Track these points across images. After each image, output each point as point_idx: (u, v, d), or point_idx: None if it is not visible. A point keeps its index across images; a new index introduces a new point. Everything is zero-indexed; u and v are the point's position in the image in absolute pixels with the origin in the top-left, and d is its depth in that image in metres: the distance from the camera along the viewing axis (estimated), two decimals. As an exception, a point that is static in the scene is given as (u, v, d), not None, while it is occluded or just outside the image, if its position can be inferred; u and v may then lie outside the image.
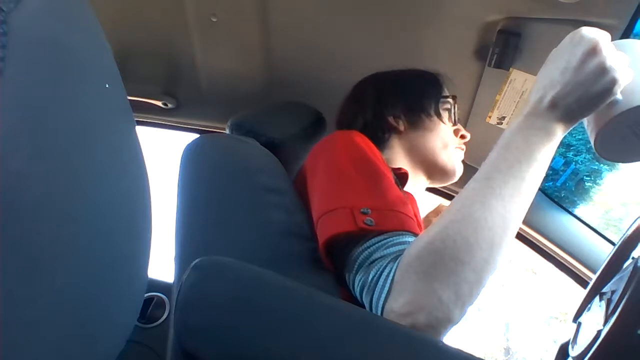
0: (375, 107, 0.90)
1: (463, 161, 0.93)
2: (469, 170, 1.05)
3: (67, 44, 0.37)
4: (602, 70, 0.52)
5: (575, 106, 0.53)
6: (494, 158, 0.54)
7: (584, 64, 0.52)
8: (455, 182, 0.93)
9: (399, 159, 0.87)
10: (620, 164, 0.62)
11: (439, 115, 0.89)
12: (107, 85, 0.43)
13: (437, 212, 0.96)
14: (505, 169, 0.53)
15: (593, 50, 0.52)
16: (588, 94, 0.52)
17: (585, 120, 0.57)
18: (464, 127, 1.02)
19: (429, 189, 1.19)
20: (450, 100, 0.92)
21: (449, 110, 0.92)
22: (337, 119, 0.96)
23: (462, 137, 0.92)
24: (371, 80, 0.95)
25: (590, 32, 0.54)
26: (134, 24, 1.10)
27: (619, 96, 0.53)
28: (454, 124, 0.93)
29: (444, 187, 1.18)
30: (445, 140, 0.89)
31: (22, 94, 0.31)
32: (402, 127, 0.88)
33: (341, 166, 0.65)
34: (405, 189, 0.77)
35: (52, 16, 0.36)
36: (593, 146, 0.57)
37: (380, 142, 0.87)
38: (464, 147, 0.92)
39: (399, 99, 0.90)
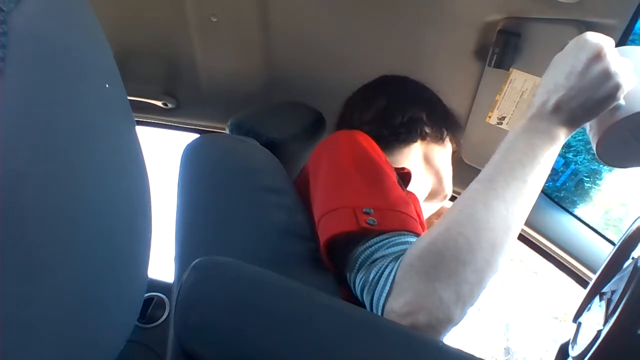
0: (417, 108, 0.90)
1: (463, 162, 0.93)
2: (470, 170, 1.05)
3: (67, 44, 0.37)
4: (606, 76, 0.52)
5: (579, 110, 0.53)
6: (497, 160, 0.54)
7: (589, 68, 0.53)
8: (458, 184, 0.93)
9: (412, 163, 0.87)
10: (621, 168, 0.62)
11: (453, 140, 0.94)
12: (107, 85, 0.43)
13: (439, 214, 0.96)
14: (507, 171, 0.53)
15: (597, 56, 0.53)
16: (592, 99, 0.53)
17: (587, 125, 0.57)
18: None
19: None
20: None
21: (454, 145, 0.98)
22: (345, 118, 0.95)
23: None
24: (409, 84, 0.95)
25: (594, 37, 0.54)
26: (134, 24, 1.10)
27: (622, 101, 0.53)
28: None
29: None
30: (449, 161, 0.93)
31: (22, 94, 0.31)
32: (429, 134, 0.89)
33: (344, 166, 0.65)
34: (408, 188, 0.77)
35: (52, 16, 0.36)
36: (595, 150, 0.58)
37: (402, 143, 0.87)
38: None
39: (434, 109, 0.92)
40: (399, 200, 0.60)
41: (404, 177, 0.76)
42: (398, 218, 0.58)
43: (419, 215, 0.76)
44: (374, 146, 0.70)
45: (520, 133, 0.55)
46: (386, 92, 0.93)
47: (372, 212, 0.57)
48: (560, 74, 0.55)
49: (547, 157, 0.54)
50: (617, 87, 0.52)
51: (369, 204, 0.58)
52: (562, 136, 0.55)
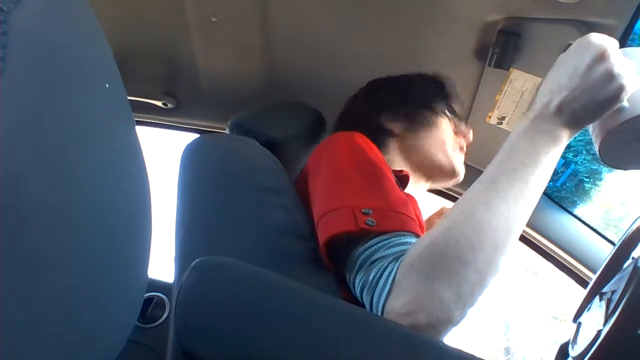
0: (368, 109, 0.90)
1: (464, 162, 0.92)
2: (470, 171, 1.05)
3: (67, 44, 0.37)
4: (610, 77, 0.52)
5: (582, 112, 0.53)
6: (499, 160, 0.54)
7: (592, 70, 0.52)
8: (459, 184, 0.93)
9: (397, 161, 0.86)
10: (624, 170, 0.62)
11: (442, 113, 0.89)
12: (107, 85, 0.43)
13: (440, 214, 0.96)
14: (510, 172, 0.52)
15: (601, 57, 0.52)
16: (595, 100, 0.52)
17: (590, 126, 0.57)
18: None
19: (432, 190, 1.19)
20: (454, 112, 0.92)
21: (449, 116, 0.91)
22: (340, 122, 0.96)
23: (464, 137, 0.91)
24: (368, 84, 0.95)
25: (598, 39, 0.54)
26: (134, 24, 1.10)
27: (625, 103, 0.53)
28: (455, 127, 0.91)
29: (447, 189, 1.17)
30: (444, 140, 0.88)
31: (22, 93, 0.31)
32: (397, 130, 0.87)
33: (343, 167, 0.65)
34: (406, 190, 0.77)
35: (52, 16, 0.36)
36: (597, 152, 0.57)
37: (379, 145, 0.86)
38: (464, 148, 0.91)
39: (397, 99, 0.90)
40: (398, 201, 0.60)
41: (402, 179, 0.76)
42: (397, 218, 0.58)
43: (418, 216, 0.76)
44: (372, 147, 0.70)
45: (523, 134, 0.55)
46: (363, 98, 0.94)
47: (371, 213, 0.57)
48: (563, 74, 0.54)
49: (550, 158, 0.54)
50: (620, 89, 0.52)
51: (368, 204, 0.58)
52: (565, 137, 0.54)
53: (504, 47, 0.86)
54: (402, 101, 0.90)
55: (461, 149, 0.90)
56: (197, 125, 1.27)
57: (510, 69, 0.90)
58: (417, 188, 0.87)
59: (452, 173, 0.88)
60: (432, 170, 0.87)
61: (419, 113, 0.88)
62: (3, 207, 0.28)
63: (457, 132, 0.91)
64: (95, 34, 0.44)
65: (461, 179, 0.89)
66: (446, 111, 0.91)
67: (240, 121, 0.90)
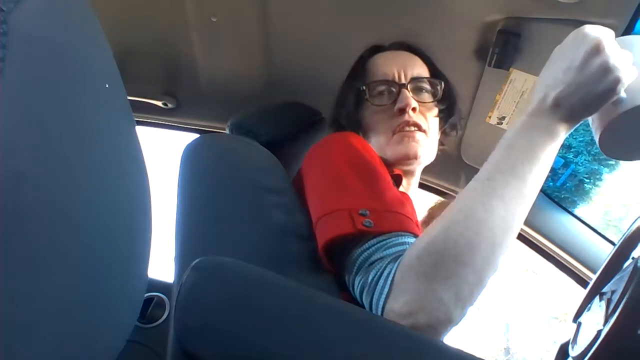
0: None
1: (464, 161, 0.91)
2: (470, 170, 1.05)
3: (67, 44, 0.37)
4: (606, 70, 0.51)
5: (579, 106, 0.53)
6: (496, 158, 0.54)
7: (587, 63, 0.52)
8: (457, 183, 0.93)
9: None
10: (624, 161, 0.62)
11: (366, 110, 0.83)
12: (107, 85, 0.43)
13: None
14: (507, 170, 0.52)
15: (596, 49, 0.51)
16: (591, 94, 0.52)
17: (589, 118, 0.57)
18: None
19: (429, 188, 1.18)
20: (377, 84, 0.82)
21: (382, 92, 0.82)
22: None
23: (401, 111, 0.78)
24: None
25: (593, 30, 0.53)
26: (134, 24, 1.10)
27: (623, 94, 0.53)
28: (394, 103, 0.79)
29: (443, 187, 1.18)
30: (384, 129, 0.80)
31: (22, 94, 0.31)
32: (343, 127, 0.86)
33: (338, 168, 0.65)
34: (400, 189, 0.77)
35: (52, 16, 0.36)
36: (598, 144, 0.57)
37: None
38: (406, 128, 0.78)
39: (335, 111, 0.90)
40: (395, 201, 0.60)
41: (395, 178, 0.75)
42: (394, 219, 0.58)
43: (413, 214, 0.75)
44: (367, 147, 0.70)
45: (520, 130, 0.54)
46: None
47: (368, 214, 0.57)
48: (558, 68, 0.54)
49: (547, 155, 0.53)
50: (616, 81, 0.51)
51: (364, 205, 0.58)
52: (563, 132, 0.54)
53: (504, 47, 0.87)
54: (339, 110, 0.89)
55: (406, 124, 0.78)
56: (197, 125, 1.27)
57: (510, 69, 0.90)
58: (409, 184, 0.84)
59: (402, 161, 0.78)
60: (391, 164, 0.78)
61: (352, 124, 0.85)
62: (3, 207, 0.28)
63: (399, 111, 0.79)
64: (95, 34, 0.44)
65: (417, 159, 0.78)
66: (379, 94, 0.82)
67: (240, 121, 0.90)
